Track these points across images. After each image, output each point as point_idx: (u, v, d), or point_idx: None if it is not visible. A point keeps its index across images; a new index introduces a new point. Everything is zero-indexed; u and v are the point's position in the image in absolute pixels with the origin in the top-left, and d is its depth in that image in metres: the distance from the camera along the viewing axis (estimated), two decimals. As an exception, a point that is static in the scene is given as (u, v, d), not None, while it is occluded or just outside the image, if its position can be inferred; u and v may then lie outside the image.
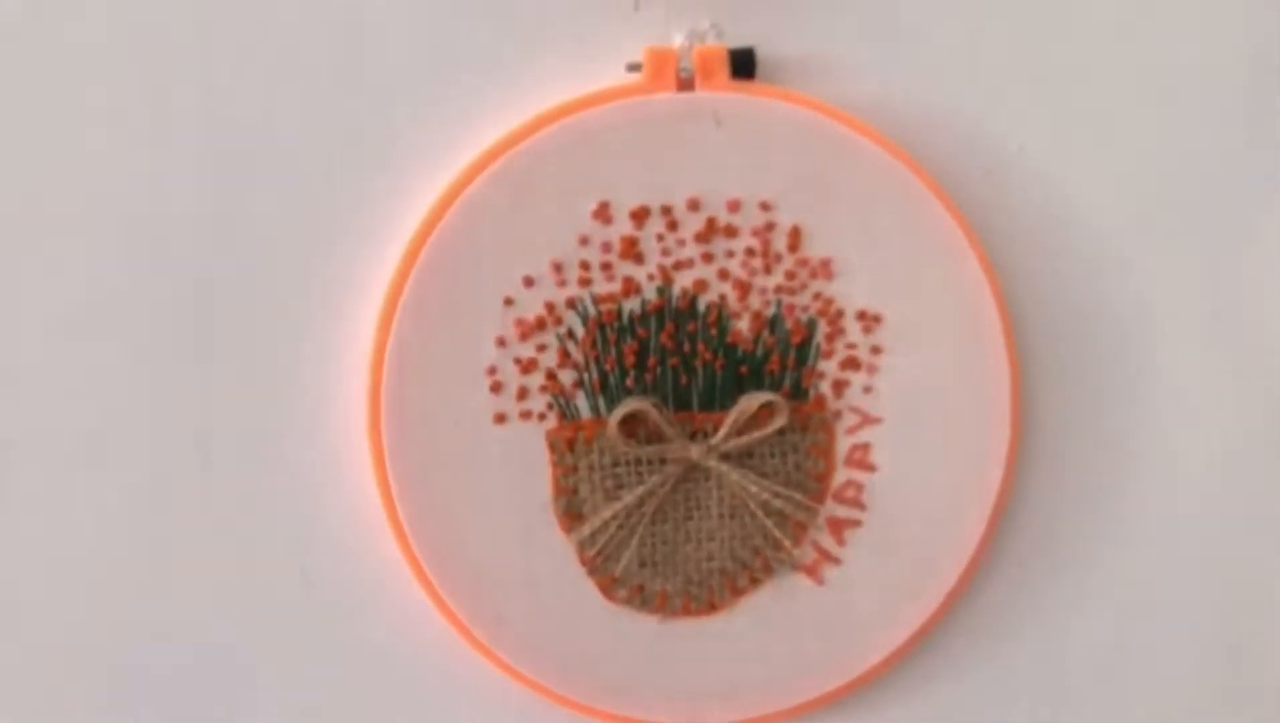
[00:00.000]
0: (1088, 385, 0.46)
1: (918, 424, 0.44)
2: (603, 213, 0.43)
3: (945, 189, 0.43)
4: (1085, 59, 0.45)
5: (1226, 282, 0.46)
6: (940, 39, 0.44)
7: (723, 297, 0.43)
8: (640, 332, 0.43)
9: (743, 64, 0.43)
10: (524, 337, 0.43)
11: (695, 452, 0.43)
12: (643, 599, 0.44)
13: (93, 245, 0.44)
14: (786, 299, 0.43)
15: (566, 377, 0.43)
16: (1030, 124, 0.45)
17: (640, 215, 0.43)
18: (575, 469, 0.43)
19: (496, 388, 0.43)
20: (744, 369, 0.43)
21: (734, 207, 0.43)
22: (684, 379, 0.43)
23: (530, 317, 0.43)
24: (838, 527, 0.44)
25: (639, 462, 0.43)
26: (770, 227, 0.43)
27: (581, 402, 0.43)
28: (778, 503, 0.43)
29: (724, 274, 0.43)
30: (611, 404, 0.43)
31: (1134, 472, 0.46)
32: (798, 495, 0.43)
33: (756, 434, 0.43)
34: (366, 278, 0.43)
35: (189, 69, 0.44)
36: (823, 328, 0.43)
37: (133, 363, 0.44)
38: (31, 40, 0.44)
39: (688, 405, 0.43)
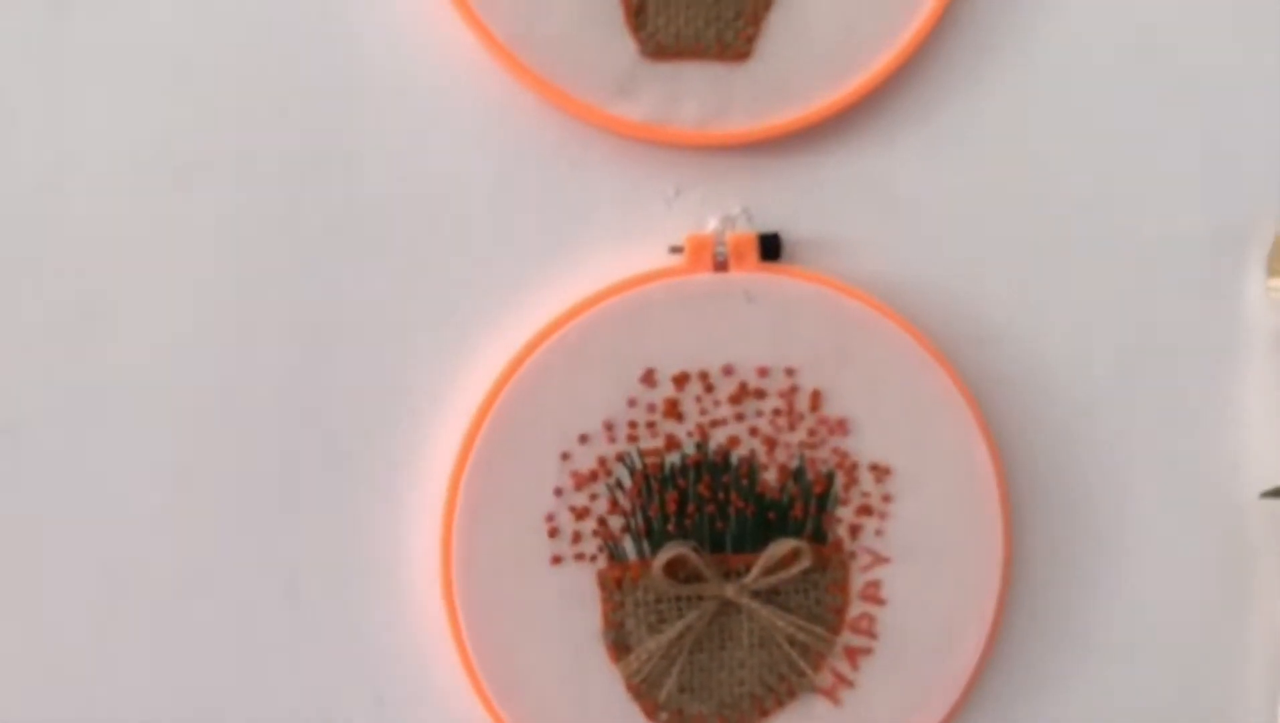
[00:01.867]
0: (1069, 526, 0.52)
1: (922, 562, 0.50)
2: (649, 378, 0.48)
3: (945, 355, 0.50)
4: (1063, 237, 0.52)
5: (1188, 434, 0.53)
6: (940, 224, 0.51)
7: (753, 451, 0.49)
8: (680, 482, 0.49)
9: (770, 247, 0.50)
10: (578, 487, 0.48)
11: (730, 590, 0.48)
12: (682, 721, 0.49)
13: (198, 412, 0.49)
14: (809, 453, 0.49)
15: (615, 522, 0.49)
16: (1017, 297, 0.52)
17: (681, 380, 0.49)
18: (623, 605, 0.49)
19: (554, 533, 0.48)
20: (771, 515, 0.49)
21: (763, 372, 0.49)
22: (719, 524, 0.49)
23: (584, 469, 0.48)
24: (852, 654, 0.50)
25: (679, 599, 0.48)
26: (794, 390, 0.49)
27: (628, 545, 0.49)
28: (801, 636, 0.49)
29: (754, 431, 0.49)
30: (655, 547, 0.49)
31: (1107, 600, 0.52)
32: (819, 629, 0.49)
33: (783, 574, 0.49)
34: (440, 438, 0.49)
35: (279, 246, 0.49)
36: (840, 479, 0.49)
37: (234, 514, 0.49)
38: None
39: (722, 547, 0.49)
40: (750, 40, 0.49)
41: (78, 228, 0.48)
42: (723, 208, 0.50)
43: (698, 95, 0.49)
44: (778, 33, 0.49)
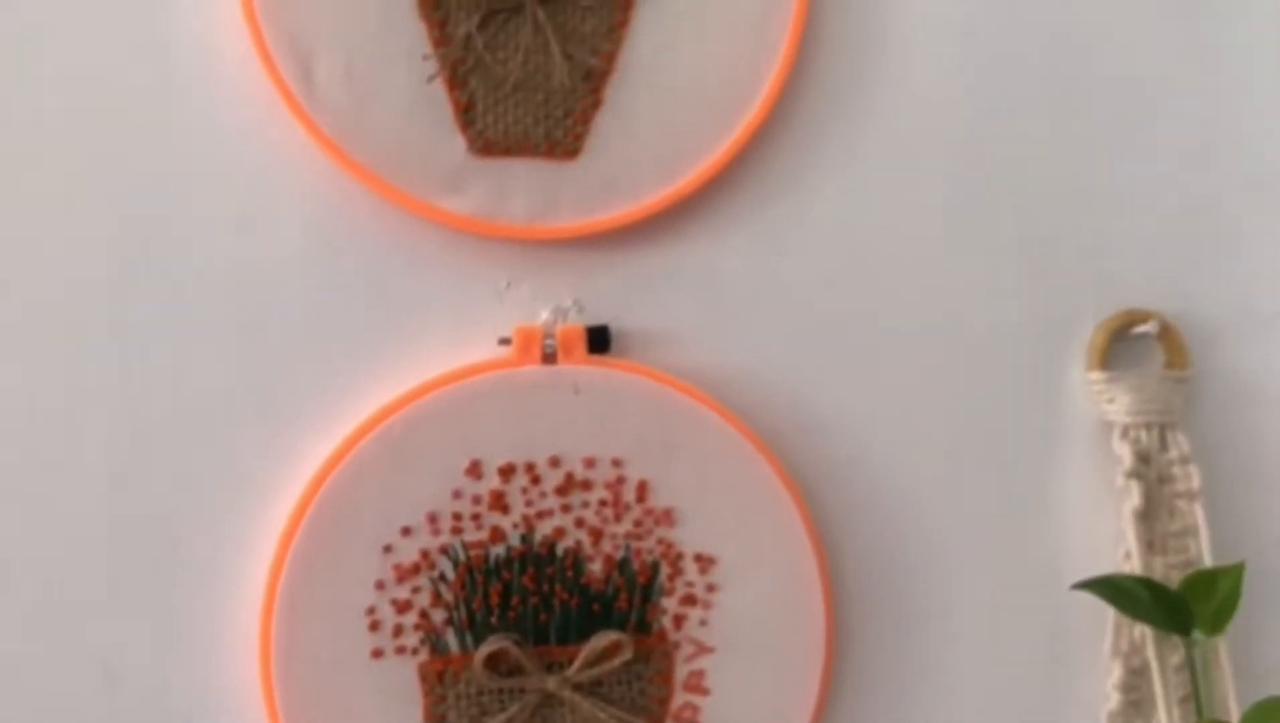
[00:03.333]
0: (892, 617, 0.53)
1: (746, 652, 0.50)
2: (474, 470, 0.49)
3: (771, 446, 0.51)
4: (888, 329, 0.53)
5: (1011, 525, 0.54)
6: (767, 316, 0.52)
7: (579, 542, 0.49)
8: (505, 574, 0.49)
9: (599, 339, 0.50)
10: (400, 580, 0.48)
11: (551, 683, 0.49)
12: (503, 816, 0.49)
13: (23, 494, 0.48)
14: (634, 543, 0.50)
15: (438, 615, 0.48)
16: (843, 387, 0.53)
17: (507, 472, 0.49)
18: (444, 699, 0.48)
19: (375, 626, 0.48)
20: (596, 607, 0.49)
21: (589, 463, 0.49)
22: (543, 616, 0.49)
23: (407, 562, 0.48)
24: (677, 745, 0.50)
25: (501, 692, 0.48)
26: (621, 480, 0.50)
27: (451, 638, 0.49)
28: (623, 728, 0.49)
29: (580, 522, 0.49)
30: (479, 640, 0.48)
31: (930, 692, 0.53)
32: (640, 720, 0.49)
33: (606, 666, 0.49)
34: (264, 529, 0.49)
35: (107, 333, 0.48)
36: (665, 569, 0.50)
37: (56, 598, 0.48)
38: None
39: (546, 640, 0.49)
40: (579, 138, 0.50)
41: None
42: (554, 299, 0.51)
43: (527, 191, 0.50)
44: (606, 131, 0.50)
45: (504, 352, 0.50)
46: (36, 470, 0.48)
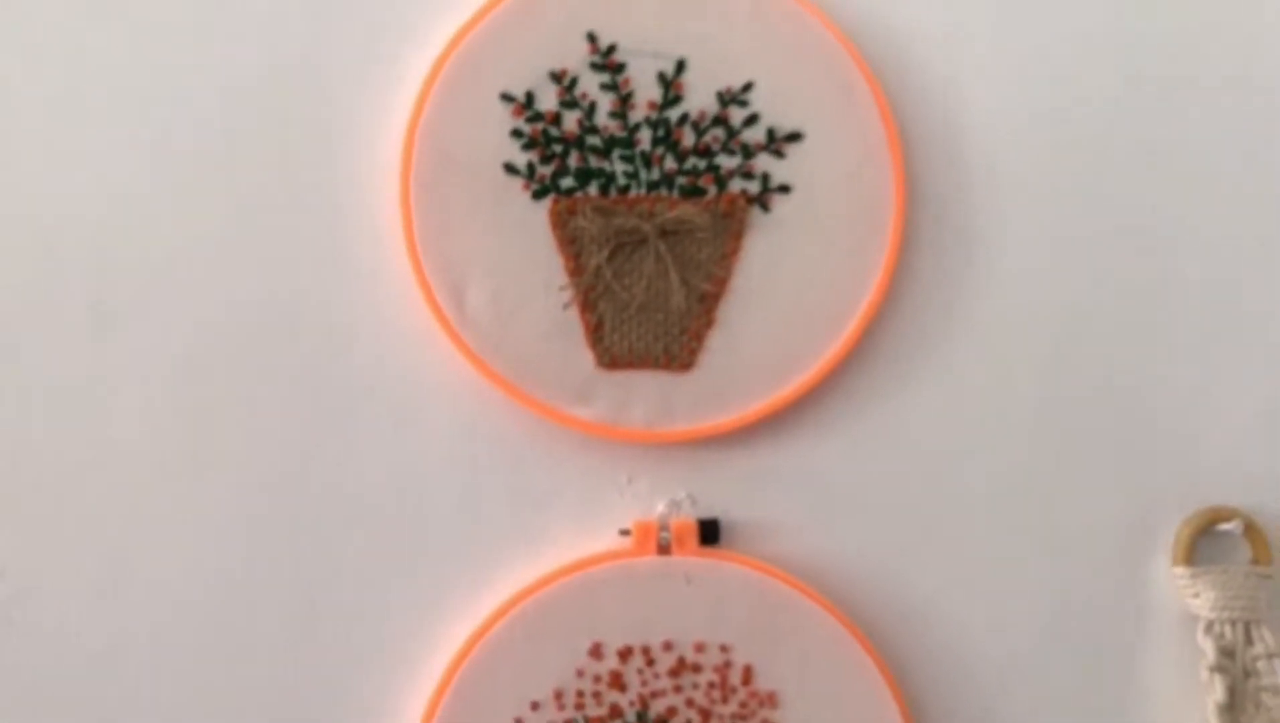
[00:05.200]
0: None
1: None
2: (596, 651, 0.54)
3: (867, 634, 0.55)
4: (982, 523, 0.57)
5: (1101, 714, 0.57)
6: (865, 511, 0.57)
7: (689, 721, 0.54)
8: (622, 748, 0.54)
9: (709, 532, 0.56)
10: (529, 750, 0.54)
11: None
12: None
13: (203, 657, 0.56)
14: (740, 723, 0.55)
15: (561, 787, 0.54)
16: (936, 580, 0.57)
17: (625, 653, 0.54)
18: None
19: (505, 796, 0.54)
20: (704, 781, 0.54)
21: (699, 648, 0.55)
22: (655, 790, 0.54)
23: (535, 734, 0.54)
24: None
25: None
26: (728, 665, 0.55)
27: (573, 805, 0.54)
28: None
29: (690, 702, 0.54)
30: (597, 808, 0.54)
31: None
32: None
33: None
34: (409, 702, 0.55)
35: (280, 532, 0.56)
36: (768, 748, 0.54)
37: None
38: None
39: (658, 810, 0.54)
40: (693, 353, 0.56)
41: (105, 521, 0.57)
42: (669, 493, 0.57)
43: (647, 399, 0.56)
44: (718, 347, 0.56)
45: (624, 542, 0.56)
46: (215, 644, 0.56)
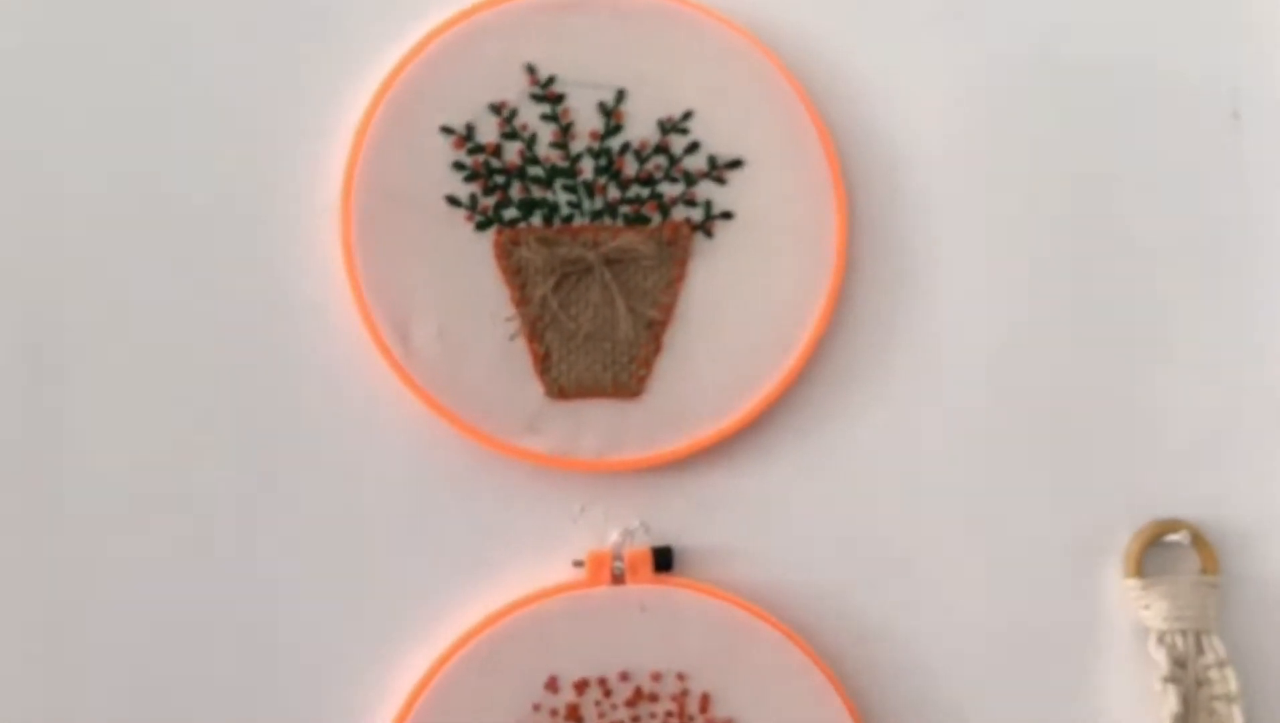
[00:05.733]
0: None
1: None
2: (552, 684, 0.54)
3: (822, 656, 0.55)
4: (933, 542, 0.57)
5: (1059, 719, 0.57)
6: (815, 533, 0.57)
7: (647, 752, 0.54)
8: (580, 782, 0.54)
9: (663, 560, 0.56)
10: (486, 787, 0.53)
11: None
12: None
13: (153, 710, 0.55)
14: (698, 752, 0.54)
15: (519, 824, 0.53)
16: (889, 600, 0.57)
17: (581, 686, 0.54)
18: None
19: (464, 832, 0.53)
20: (664, 812, 0.54)
21: (656, 677, 0.54)
22: (615, 822, 0.53)
23: (492, 771, 0.53)
24: None
25: None
26: (685, 693, 0.54)
27: (532, 842, 0.53)
28: None
29: (648, 733, 0.54)
30: (557, 844, 0.53)
31: None
32: None
33: None
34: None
35: (228, 571, 0.55)
36: (728, 776, 0.54)
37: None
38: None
39: (618, 845, 0.53)
40: (642, 381, 0.56)
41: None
42: (622, 522, 0.57)
43: (597, 428, 0.56)
44: (666, 374, 0.56)
45: (578, 573, 0.56)
46: (161, 693, 0.55)
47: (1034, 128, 0.60)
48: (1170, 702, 0.56)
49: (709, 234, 0.57)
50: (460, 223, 0.56)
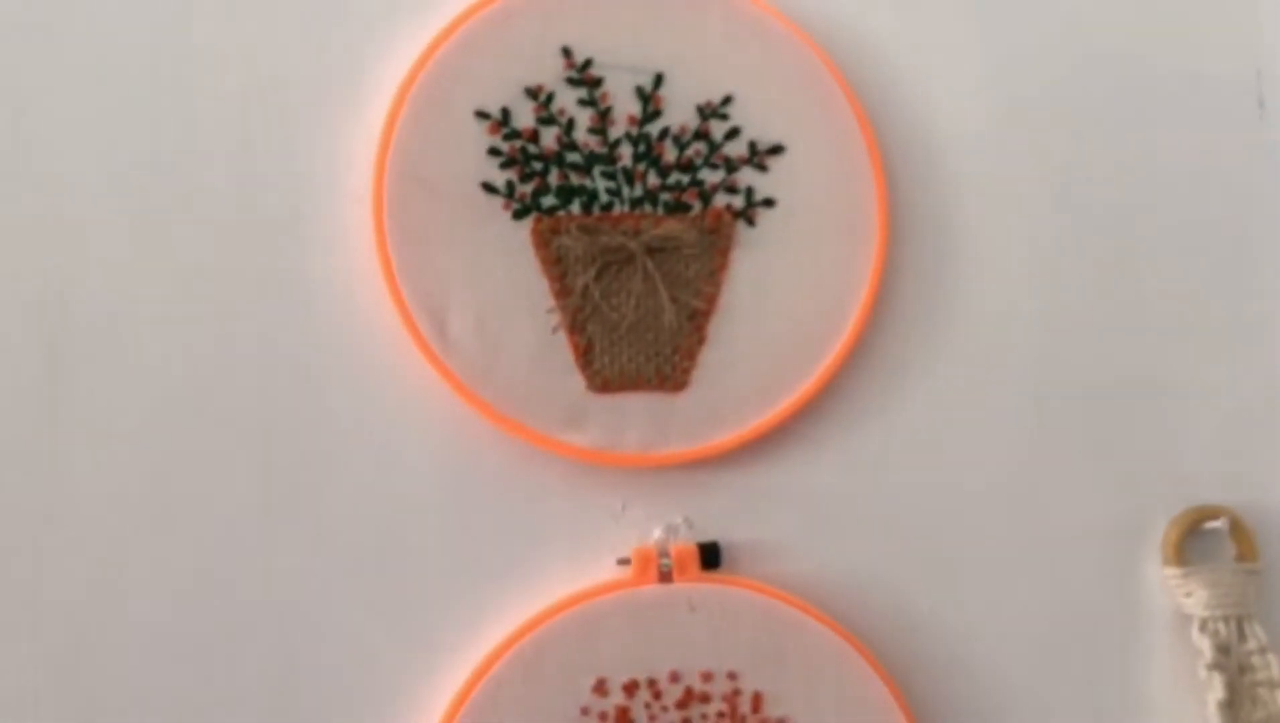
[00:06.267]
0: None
1: None
2: (600, 687, 0.52)
3: (871, 649, 0.54)
4: (976, 533, 0.57)
5: (1102, 714, 0.57)
6: (862, 526, 0.56)
7: (700, 753, 0.53)
8: (632, 788, 0.52)
9: (711, 556, 0.54)
10: (536, 795, 0.51)
11: None
12: None
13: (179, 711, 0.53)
14: (751, 753, 0.53)
15: (571, 831, 0.52)
16: (936, 591, 0.56)
17: (630, 688, 0.52)
18: None
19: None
20: (718, 816, 0.52)
21: (706, 677, 0.53)
22: (669, 828, 0.52)
23: (542, 779, 0.52)
24: None
25: None
26: (737, 693, 0.53)
27: (584, 851, 0.51)
28: None
29: (701, 734, 0.53)
30: None
31: None
32: None
33: None
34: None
35: (257, 571, 0.52)
36: (781, 776, 0.53)
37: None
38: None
39: None
40: (686, 372, 0.55)
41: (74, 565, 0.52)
42: (665, 519, 0.55)
43: (640, 422, 0.54)
44: (710, 366, 0.55)
45: (623, 572, 0.54)
46: (193, 704, 0.52)
47: (1067, 114, 0.59)
48: (1216, 689, 0.56)
49: (751, 222, 0.55)
50: (497, 211, 0.54)
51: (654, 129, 0.55)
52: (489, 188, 0.54)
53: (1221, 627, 0.57)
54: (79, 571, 0.52)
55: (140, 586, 0.52)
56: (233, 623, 0.53)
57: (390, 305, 0.53)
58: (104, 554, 0.52)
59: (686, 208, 0.55)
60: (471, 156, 0.54)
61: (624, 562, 0.54)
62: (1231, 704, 0.57)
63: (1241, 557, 0.58)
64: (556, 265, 0.54)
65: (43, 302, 0.53)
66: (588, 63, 0.55)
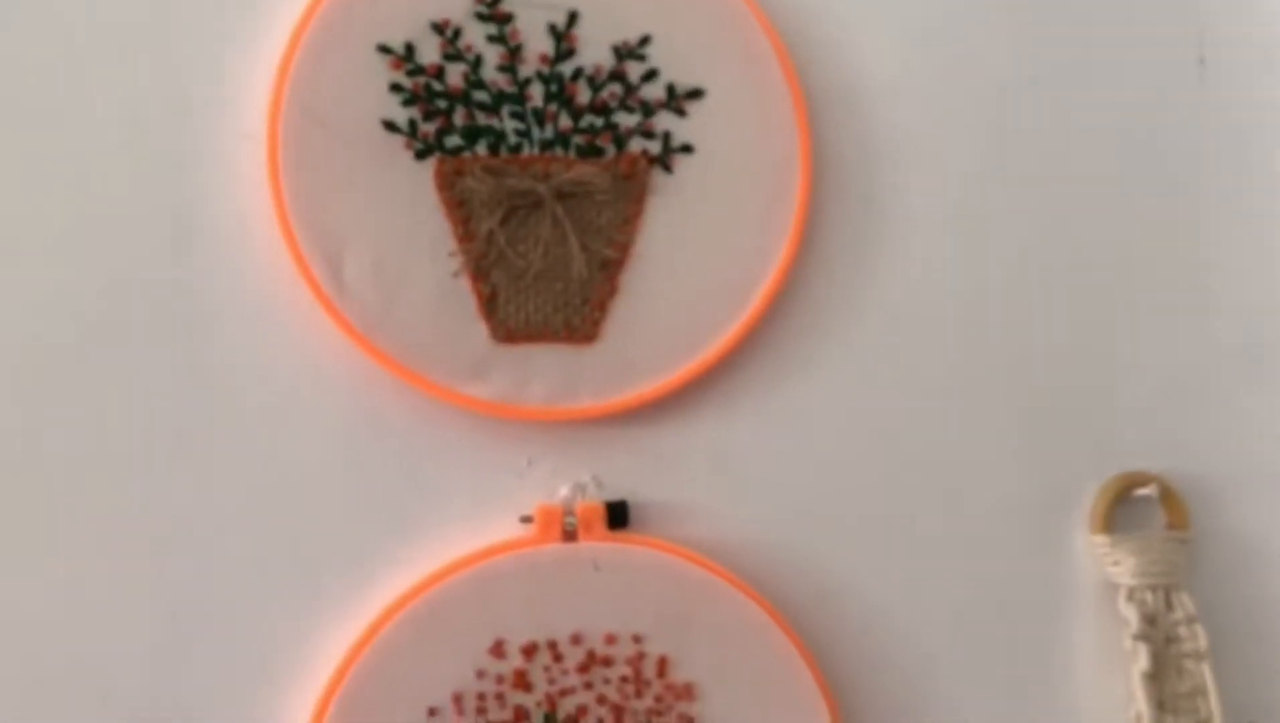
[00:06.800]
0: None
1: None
2: (497, 649, 0.50)
3: (784, 615, 0.52)
4: (896, 499, 0.54)
5: (1024, 686, 0.55)
6: (777, 489, 0.54)
7: (601, 719, 0.50)
8: (528, 753, 0.50)
9: (618, 515, 0.52)
10: (426, 762, 0.49)
11: None
12: None
13: (61, 678, 0.50)
14: (656, 720, 0.50)
15: (460, 798, 0.49)
16: (852, 557, 0.54)
17: (530, 650, 0.50)
18: None
19: (399, 811, 0.49)
20: (619, 784, 0.50)
21: (610, 640, 0.51)
22: (566, 796, 0.50)
23: (432, 743, 0.49)
24: None
25: None
26: (641, 657, 0.51)
27: (477, 818, 0.49)
28: None
29: (602, 699, 0.50)
30: (503, 820, 0.49)
31: None
32: None
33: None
34: (293, 712, 0.50)
35: (141, 528, 0.50)
36: (686, 744, 0.51)
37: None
38: None
39: (568, 820, 0.50)
40: (596, 324, 0.52)
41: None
42: (573, 476, 0.53)
43: (547, 375, 0.52)
44: (622, 318, 0.52)
45: (526, 530, 0.52)
46: (78, 656, 0.50)
47: (1001, 68, 0.57)
48: (1141, 659, 0.54)
49: (668, 169, 0.53)
50: (398, 150, 0.51)
51: (567, 69, 0.53)
52: (390, 126, 0.51)
53: (1149, 596, 0.55)
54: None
55: (24, 528, 0.50)
56: (116, 570, 0.50)
57: (284, 247, 0.50)
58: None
59: (600, 152, 0.53)
60: (372, 93, 0.51)
61: (527, 520, 0.52)
62: (1156, 676, 0.55)
63: (1172, 525, 0.56)
64: (460, 209, 0.52)
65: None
66: (498, -2, 0.53)
